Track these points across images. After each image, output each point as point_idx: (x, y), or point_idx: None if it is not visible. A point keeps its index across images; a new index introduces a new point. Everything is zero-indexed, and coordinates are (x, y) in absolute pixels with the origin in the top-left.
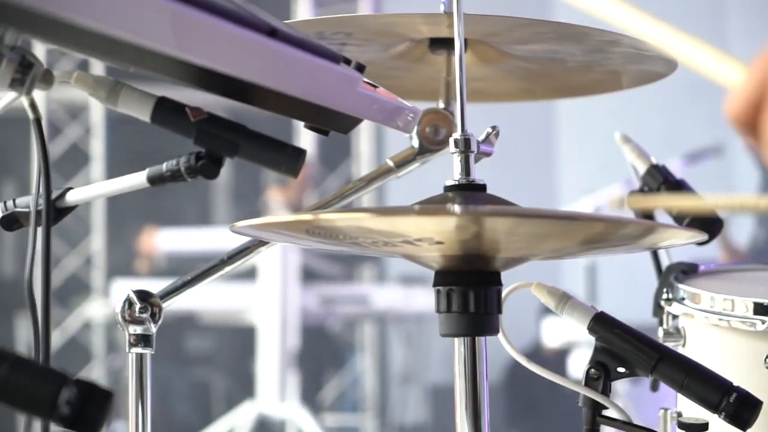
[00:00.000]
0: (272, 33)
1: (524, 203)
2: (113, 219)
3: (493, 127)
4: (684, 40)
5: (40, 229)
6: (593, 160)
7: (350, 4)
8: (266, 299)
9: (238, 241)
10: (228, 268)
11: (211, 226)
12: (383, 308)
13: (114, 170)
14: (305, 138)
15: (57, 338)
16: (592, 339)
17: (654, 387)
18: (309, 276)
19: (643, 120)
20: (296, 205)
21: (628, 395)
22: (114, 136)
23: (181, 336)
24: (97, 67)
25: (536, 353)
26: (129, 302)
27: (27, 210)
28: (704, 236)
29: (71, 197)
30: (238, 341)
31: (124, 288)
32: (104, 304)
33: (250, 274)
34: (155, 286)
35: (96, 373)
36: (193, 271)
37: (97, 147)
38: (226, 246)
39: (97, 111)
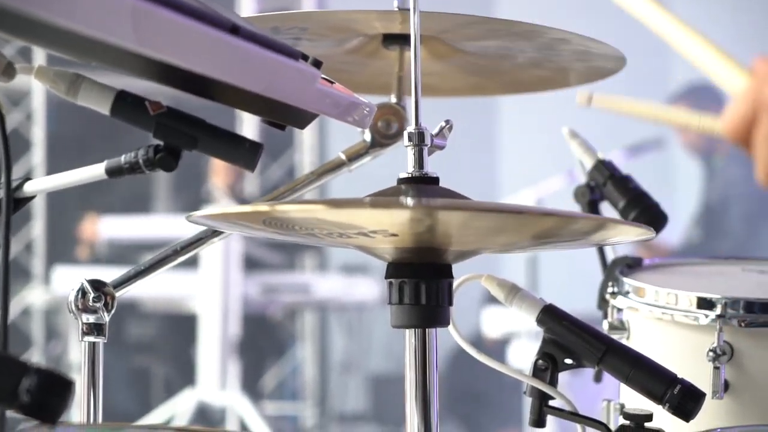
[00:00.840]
0: (234, 30)
1: (466, 194)
2: (54, 205)
3: (447, 121)
4: (698, 41)
5: None
6: (534, 151)
7: None
8: (208, 287)
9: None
10: (181, 258)
11: (151, 213)
12: (324, 297)
13: (55, 157)
14: (248, 126)
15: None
16: (531, 329)
17: (597, 378)
18: (251, 264)
19: (584, 112)
20: (237, 193)
21: (568, 385)
22: (55, 123)
23: (121, 323)
24: (39, 55)
25: (477, 343)
26: (82, 291)
27: None
28: (651, 233)
29: (29, 188)
30: (179, 329)
31: (64, 275)
32: (44, 291)
33: (191, 262)
34: (96, 273)
35: (35, 359)
36: (147, 260)
37: (38, 133)
38: (167, 234)
39: (38, 97)
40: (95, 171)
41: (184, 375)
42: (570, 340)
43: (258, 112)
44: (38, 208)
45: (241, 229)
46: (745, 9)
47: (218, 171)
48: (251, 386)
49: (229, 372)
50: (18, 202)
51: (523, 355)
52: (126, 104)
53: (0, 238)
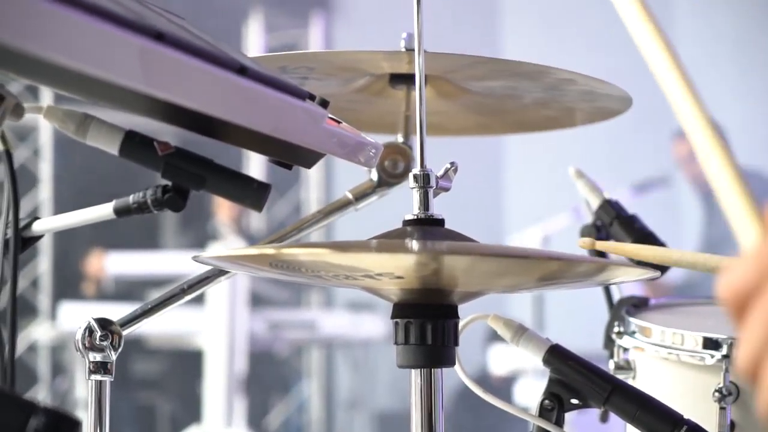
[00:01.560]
0: (242, 71)
1: (472, 232)
2: (60, 241)
3: (452, 163)
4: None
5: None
6: (540, 189)
7: (301, 30)
8: (214, 323)
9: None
10: (188, 297)
11: (159, 250)
12: (330, 334)
13: (61, 193)
14: (254, 163)
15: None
16: (538, 367)
17: (603, 418)
18: (257, 301)
19: (590, 149)
20: (243, 229)
21: (574, 424)
22: (62, 159)
23: (127, 359)
24: (46, 92)
25: (483, 380)
26: (89, 329)
27: None
28: (656, 273)
29: (37, 227)
30: (185, 365)
31: (70, 311)
32: (50, 327)
33: (198, 298)
34: (102, 309)
35: (41, 395)
36: (154, 298)
37: (45, 169)
38: (173, 270)
39: (45, 133)
40: (104, 211)
41: (190, 411)
42: (576, 380)
43: (265, 152)
44: (45, 244)
45: (248, 270)
46: (747, 20)
47: (223, 206)
48: (257, 423)
49: (235, 408)
50: (26, 242)
51: (530, 392)
52: (135, 144)
53: (8, 277)
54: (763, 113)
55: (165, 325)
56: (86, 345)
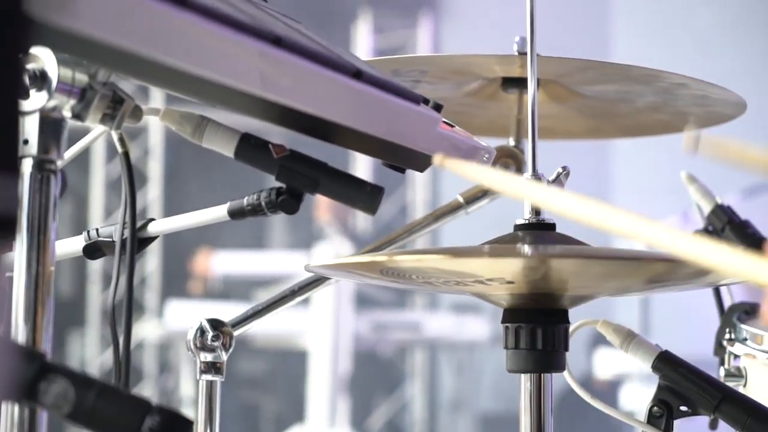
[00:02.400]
0: (357, 75)
1: (580, 236)
2: (168, 240)
3: (564, 168)
4: (717, 251)
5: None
6: (648, 192)
7: (410, 31)
8: (319, 324)
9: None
10: (298, 299)
11: (266, 249)
12: (435, 335)
13: (170, 191)
14: (360, 161)
15: (110, 357)
16: (643, 371)
17: (713, 426)
18: (362, 302)
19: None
20: (349, 230)
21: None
22: (171, 158)
23: (232, 357)
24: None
25: (587, 384)
26: (201, 330)
27: (110, 240)
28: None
29: (153, 228)
30: (290, 365)
31: (177, 309)
32: (157, 325)
33: (303, 299)
34: (209, 308)
35: (147, 393)
36: (264, 300)
37: (155, 168)
38: (280, 270)
39: (155, 133)
40: (218, 213)
41: (294, 411)
42: (686, 387)
43: (378, 155)
44: (153, 243)
45: (358, 278)
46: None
47: (321, 206)
48: (360, 423)
49: (338, 409)
50: (141, 242)
51: (636, 398)
52: (250, 147)
53: (124, 278)
54: None
55: (270, 325)
56: (198, 345)
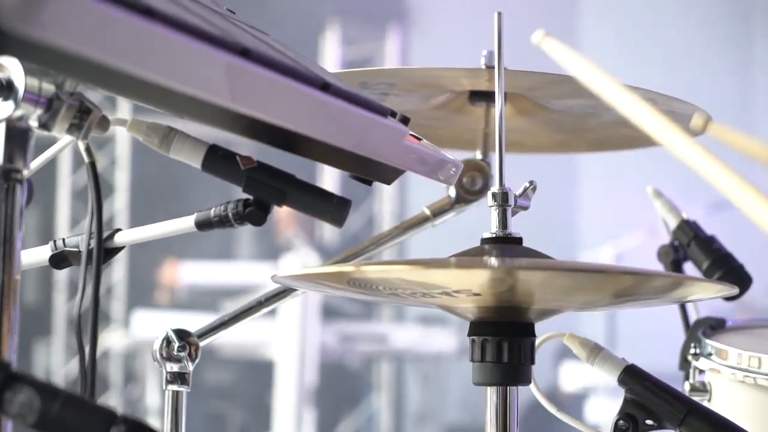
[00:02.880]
0: (325, 87)
1: (545, 249)
2: (135, 249)
3: (531, 182)
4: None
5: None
6: (614, 206)
7: (378, 43)
8: (286, 334)
9: (259, 275)
10: (264, 310)
11: (232, 259)
12: (401, 347)
13: (137, 201)
14: (327, 173)
15: (76, 366)
16: (609, 384)
17: None
18: (329, 313)
19: (664, 167)
20: (316, 242)
21: None
22: (138, 167)
23: (198, 367)
24: (124, 103)
25: (552, 396)
26: (167, 340)
27: (76, 249)
28: (734, 290)
29: (119, 238)
30: (256, 375)
31: (144, 319)
32: (124, 335)
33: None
34: (175, 318)
35: (113, 402)
36: (230, 311)
37: (122, 178)
38: (247, 280)
39: (122, 142)
40: (185, 224)
41: (260, 421)
42: (651, 401)
43: (345, 168)
44: (120, 253)
45: (325, 289)
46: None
47: (287, 219)
48: None
49: (304, 420)
50: (108, 252)
51: (602, 411)
52: (217, 158)
53: (90, 288)
54: None
55: (237, 335)
56: (164, 355)
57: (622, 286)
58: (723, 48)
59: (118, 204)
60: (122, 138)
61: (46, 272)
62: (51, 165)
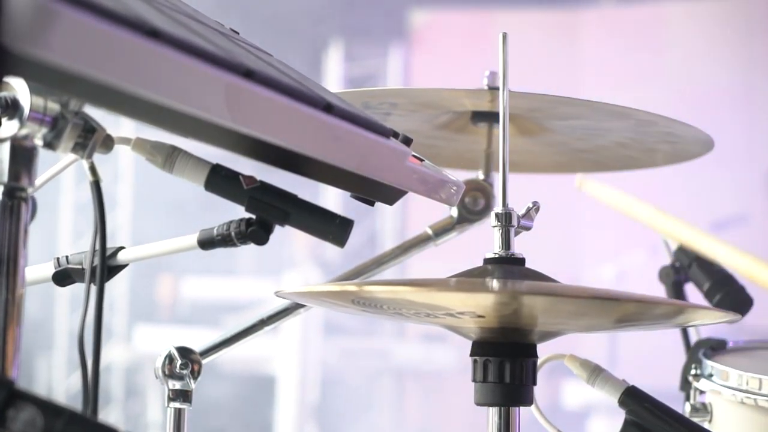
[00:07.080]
0: (328, 108)
1: (547, 268)
2: (137, 264)
3: (534, 203)
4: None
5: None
6: (617, 227)
7: (380, 60)
8: (287, 350)
9: (261, 290)
10: (267, 328)
11: (234, 275)
12: (403, 363)
13: (139, 216)
14: (330, 192)
15: (77, 380)
16: (611, 403)
17: None
18: (330, 329)
19: (666, 186)
20: (318, 257)
21: None
22: (141, 183)
23: (199, 382)
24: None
25: (554, 415)
26: (170, 357)
27: (80, 267)
28: (736, 316)
29: (123, 256)
30: (257, 391)
31: (145, 333)
32: (125, 349)
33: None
34: (177, 332)
35: (114, 416)
36: (233, 327)
37: (125, 192)
38: (249, 296)
39: (125, 157)
40: (188, 242)
41: None
42: (652, 423)
43: (348, 188)
44: None
45: (329, 306)
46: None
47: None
48: None
49: None
50: (111, 270)
51: (603, 430)
52: (220, 178)
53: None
54: None
55: (238, 351)
56: (166, 372)
57: (626, 312)
58: (725, 68)
59: (121, 218)
60: (125, 153)
61: (48, 286)
62: (54, 178)
